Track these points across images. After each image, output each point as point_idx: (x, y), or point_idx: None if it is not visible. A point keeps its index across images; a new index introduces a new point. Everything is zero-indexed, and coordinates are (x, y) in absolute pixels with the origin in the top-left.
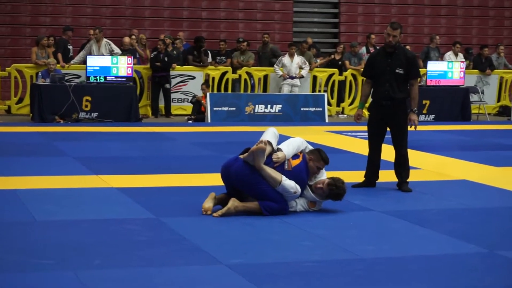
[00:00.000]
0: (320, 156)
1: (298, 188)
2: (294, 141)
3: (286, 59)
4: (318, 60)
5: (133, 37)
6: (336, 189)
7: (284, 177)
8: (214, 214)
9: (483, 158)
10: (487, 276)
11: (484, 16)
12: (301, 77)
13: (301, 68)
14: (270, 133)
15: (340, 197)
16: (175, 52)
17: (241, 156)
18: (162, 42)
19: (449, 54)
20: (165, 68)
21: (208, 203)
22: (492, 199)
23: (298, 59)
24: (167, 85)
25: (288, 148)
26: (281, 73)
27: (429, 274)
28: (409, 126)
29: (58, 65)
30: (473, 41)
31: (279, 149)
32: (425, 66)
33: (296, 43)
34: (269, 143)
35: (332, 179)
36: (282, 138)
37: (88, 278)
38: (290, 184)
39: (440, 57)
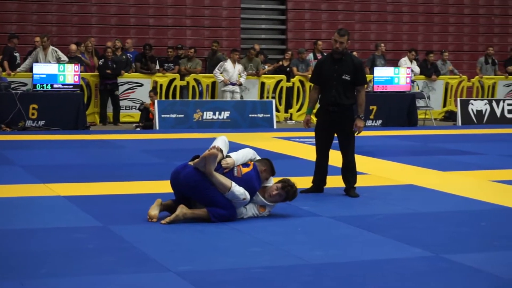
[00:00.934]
0: (271, 169)
1: (247, 194)
2: (244, 150)
3: (229, 64)
4: (266, 67)
5: (83, 45)
6: (291, 188)
7: (233, 183)
8: (162, 221)
9: (429, 163)
10: (433, 280)
11: (429, 23)
12: (240, 84)
13: (240, 75)
14: (221, 141)
15: (296, 195)
16: (124, 57)
17: (192, 163)
18: (110, 49)
19: (405, 60)
20: (114, 75)
21: (154, 210)
22: (438, 203)
23: (239, 66)
24: (116, 92)
25: (237, 156)
26: (221, 78)
27: (376, 279)
28: (355, 132)
29: (4, 73)
30: (419, 47)
31: (228, 156)
32: (372, 73)
33: (244, 50)
34: (220, 149)
35: (283, 182)
36: (231, 145)
37: (34, 287)
38: (239, 190)
39: (386, 64)
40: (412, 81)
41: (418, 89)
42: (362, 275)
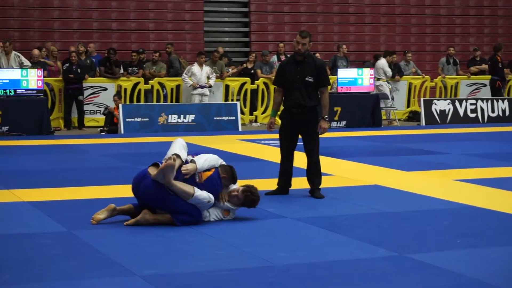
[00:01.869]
0: (232, 177)
1: (211, 197)
2: (211, 158)
3: (196, 68)
4: (230, 69)
5: (44, 49)
6: (251, 195)
7: (196, 189)
8: (125, 223)
9: (394, 163)
10: (397, 280)
11: (392, 23)
12: (210, 86)
13: (208, 77)
14: (178, 145)
15: (255, 204)
16: (88, 61)
17: (151, 175)
18: (75, 54)
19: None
20: (78, 79)
21: (100, 214)
22: (402, 203)
23: (206, 69)
24: (81, 97)
25: (203, 163)
26: (190, 82)
27: (341, 280)
28: (319, 133)
29: None
30: (381, 48)
31: (192, 161)
32: (333, 74)
33: (208, 53)
34: (178, 156)
35: (246, 187)
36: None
37: None
38: (202, 194)
39: (349, 66)
40: (388, 82)
41: (391, 90)
42: (327, 275)
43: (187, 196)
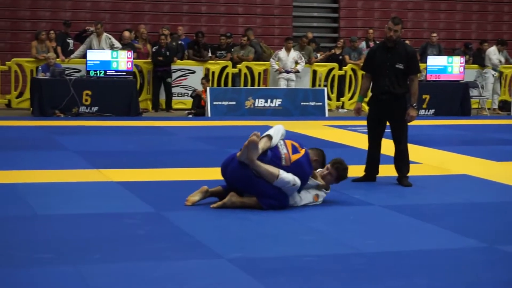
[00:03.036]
0: (323, 161)
1: (297, 180)
2: (275, 128)
3: (282, 53)
4: (319, 55)
5: (133, 32)
6: (341, 165)
7: (281, 171)
8: (211, 206)
9: (483, 152)
10: (486, 271)
11: (484, 11)
12: (297, 71)
13: (296, 63)
14: (274, 130)
15: (347, 172)
16: (174, 43)
17: (237, 155)
18: (164, 36)
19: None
20: (166, 62)
21: (194, 196)
22: (492, 193)
23: (294, 54)
24: (169, 80)
25: (276, 137)
26: (276, 67)
27: (429, 269)
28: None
29: (58, 59)
30: (472, 36)
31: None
32: (422, 62)
33: (296, 38)
34: (269, 137)
35: (332, 161)
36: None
37: (88, 272)
38: (288, 177)
39: (442, 54)
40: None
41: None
42: (414, 265)
43: (272, 178)
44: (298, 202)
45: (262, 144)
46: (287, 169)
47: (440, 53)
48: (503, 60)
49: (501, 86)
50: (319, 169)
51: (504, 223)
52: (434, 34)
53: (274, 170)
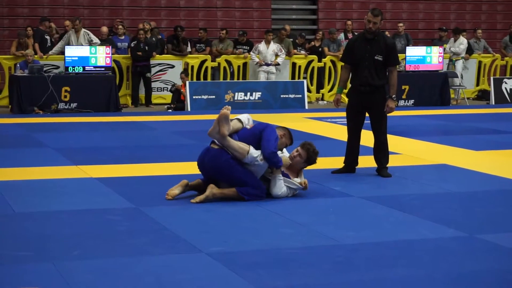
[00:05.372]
0: (290, 136)
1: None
2: (248, 115)
3: (262, 46)
4: (303, 52)
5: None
6: (311, 147)
7: (251, 147)
8: (192, 200)
9: (463, 142)
10: (466, 260)
11: (462, 1)
12: (277, 64)
13: (277, 55)
14: (243, 115)
15: (317, 154)
16: (154, 39)
17: (209, 131)
18: (142, 31)
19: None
20: (146, 57)
21: (175, 190)
22: (471, 183)
23: (274, 46)
24: (148, 74)
25: (245, 120)
26: (257, 60)
27: (409, 259)
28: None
29: (36, 56)
30: (451, 26)
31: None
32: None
33: (275, 30)
34: (239, 120)
35: (301, 144)
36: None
37: (67, 269)
38: (256, 152)
39: (406, 44)
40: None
41: (454, 68)
42: (394, 255)
43: (243, 153)
44: (288, 192)
45: (233, 124)
46: (250, 131)
47: (408, 43)
48: (459, 49)
49: (480, 76)
50: (284, 152)
51: (483, 212)
52: (400, 24)
53: (245, 146)
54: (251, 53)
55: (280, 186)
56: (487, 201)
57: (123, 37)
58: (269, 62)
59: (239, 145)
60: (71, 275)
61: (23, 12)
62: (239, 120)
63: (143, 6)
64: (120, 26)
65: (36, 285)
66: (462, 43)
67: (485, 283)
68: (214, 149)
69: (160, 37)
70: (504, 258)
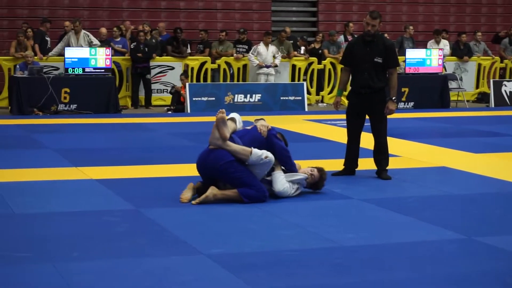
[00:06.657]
0: (284, 139)
1: (268, 153)
2: (236, 114)
3: (261, 48)
4: (304, 53)
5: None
6: (325, 174)
7: (253, 148)
8: (193, 202)
9: (462, 145)
10: (465, 262)
11: (462, 3)
12: (275, 66)
13: (274, 57)
14: (233, 114)
15: (322, 185)
16: (153, 40)
17: (209, 139)
18: (142, 33)
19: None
20: (146, 58)
21: (187, 193)
22: (471, 185)
23: (272, 48)
24: (148, 76)
25: (238, 119)
26: (256, 62)
27: (408, 262)
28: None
29: (35, 57)
30: (451, 28)
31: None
32: (400, 55)
33: (275, 32)
34: (233, 119)
35: (318, 167)
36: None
37: (67, 270)
38: (259, 151)
39: (415, 47)
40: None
41: (445, 71)
42: (393, 257)
43: (246, 154)
44: (291, 192)
45: (229, 124)
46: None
47: (413, 46)
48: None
49: (480, 78)
50: (302, 169)
51: (482, 214)
52: (411, 27)
53: (247, 148)
54: (249, 55)
55: (282, 181)
56: (486, 203)
57: (118, 39)
58: (269, 64)
59: (241, 147)
60: (71, 276)
61: (22, 13)
62: (233, 119)
63: (143, 7)
64: (115, 29)
65: (36, 286)
66: (446, 44)
67: (483, 286)
68: (216, 150)
69: (160, 39)
70: (503, 260)
